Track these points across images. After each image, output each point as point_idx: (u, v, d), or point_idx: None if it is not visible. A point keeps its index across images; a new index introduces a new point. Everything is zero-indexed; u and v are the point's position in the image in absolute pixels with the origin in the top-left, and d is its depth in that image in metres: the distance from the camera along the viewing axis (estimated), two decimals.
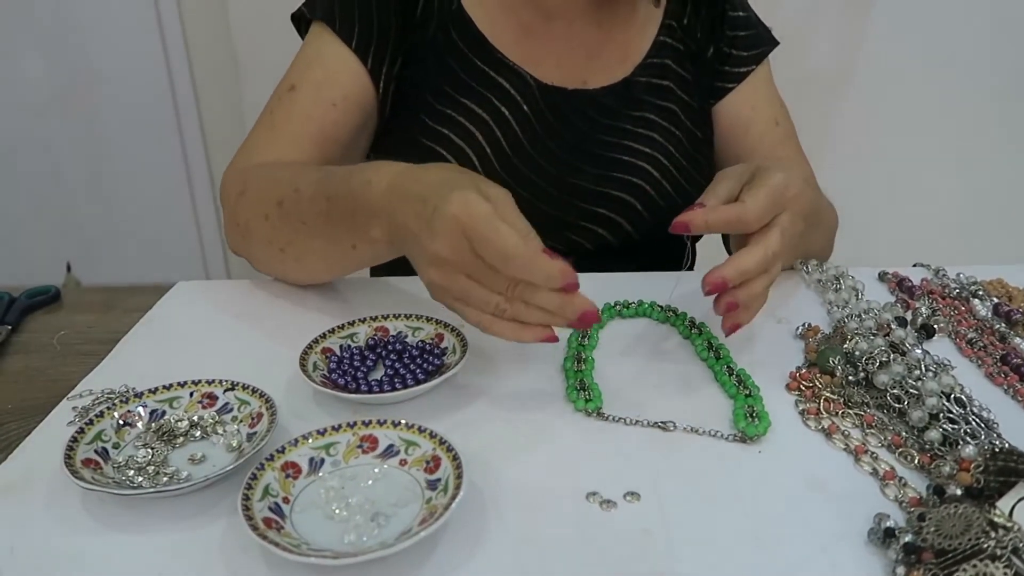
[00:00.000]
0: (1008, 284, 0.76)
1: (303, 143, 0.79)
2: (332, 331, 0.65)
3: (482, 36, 0.84)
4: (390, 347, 0.65)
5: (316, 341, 0.64)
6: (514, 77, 0.84)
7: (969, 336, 0.68)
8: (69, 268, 1.66)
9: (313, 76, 0.81)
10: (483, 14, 0.84)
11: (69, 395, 0.62)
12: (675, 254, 0.96)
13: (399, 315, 0.67)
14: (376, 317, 0.67)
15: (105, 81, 2.00)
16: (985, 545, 0.41)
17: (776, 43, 0.93)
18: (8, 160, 2.06)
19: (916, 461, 0.52)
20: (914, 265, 0.83)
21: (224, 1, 1.96)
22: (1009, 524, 0.42)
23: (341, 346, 0.65)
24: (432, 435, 0.52)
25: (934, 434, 0.53)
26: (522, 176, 0.83)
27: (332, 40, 0.81)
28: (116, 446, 0.54)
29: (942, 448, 0.52)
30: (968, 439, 0.51)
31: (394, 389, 0.58)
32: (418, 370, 0.61)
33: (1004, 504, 0.43)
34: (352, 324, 0.66)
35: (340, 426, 0.53)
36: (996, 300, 0.73)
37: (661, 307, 0.73)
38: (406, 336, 0.66)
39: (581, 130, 0.85)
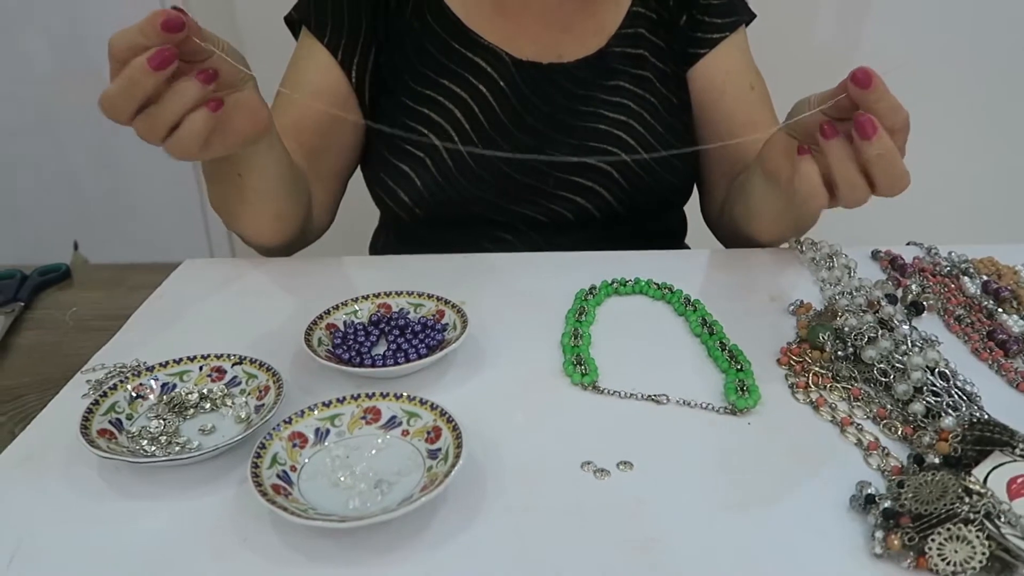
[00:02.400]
0: (999, 263, 0.78)
1: (282, 134, 0.80)
2: (336, 307, 0.67)
3: (456, 18, 0.88)
4: (393, 323, 0.67)
5: (320, 317, 0.66)
6: (489, 55, 0.87)
7: (957, 313, 0.70)
8: (76, 246, 1.68)
9: (291, 75, 0.89)
10: None
11: (83, 369, 0.64)
12: (665, 225, 0.97)
13: (401, 292, 0.69)
14: (379, 294, 0.69)
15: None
16: (959, 510, 0.43)
17: (753, 16, 0.95)
18: (13, 139, 2.07)
19: (899, 432, 0.54)
20: (907, 244, 0.84)
21: None
22: (983, 490, 0.44)
23: (345, 322, 0.66)
24: (433, 407, 0.54)
25: (917, 406, 0.55)
26: (500, 149, 0.86)
27: (310, 39, 0.88)
28: (129, 417, 0.56)
29: (925, 420, 0.54)
30: (949, 411, 0.53)
31: (396, 363, 0.60)
32: (421, 345, 0.63)
33: (979, 471, 0.45)
34: (355, 300, 0.68)
35: (344, 398, 0.55)
36: (986, 278, 0.74)
37: (657, 284, 0.74)
38: (408, 312, 0.68)
39: (557, 102, 0.87)
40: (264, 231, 0.79)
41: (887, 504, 0.45)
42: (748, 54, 0.94)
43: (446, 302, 0.67)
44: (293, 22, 0.91)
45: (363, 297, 0.69)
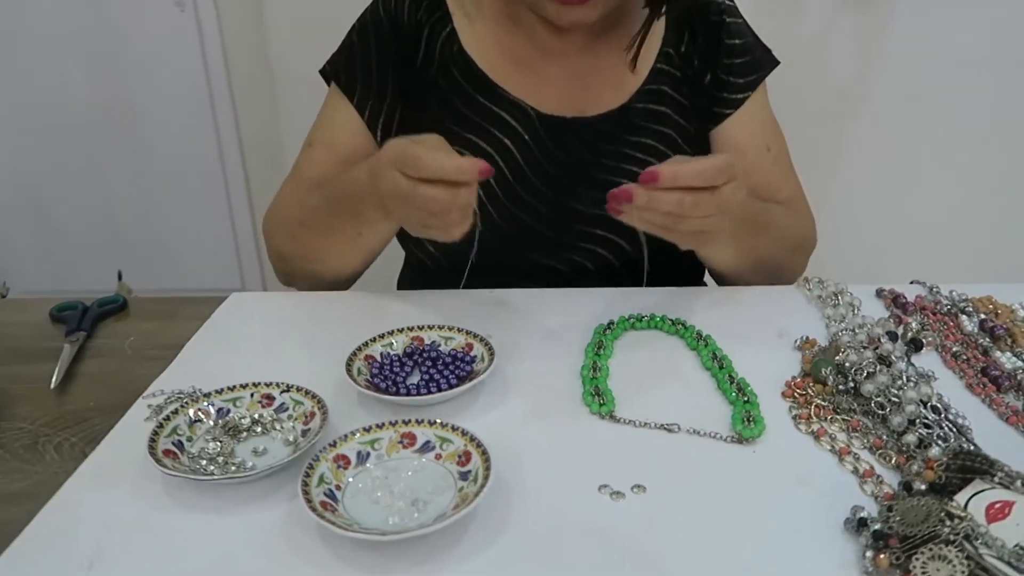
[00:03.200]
0: (996, 301, 0.82)
1: (311, 186, 0.91)
2: (373, 340, 0.73)
3: (482, 73, 0.91)
4: (425, 354, 0.72)
5: (359, 349, 0.72)
6: (514, 109, 0.90)
7: (954, 349, 0.74)
8: (120, 276, 1.77)
9: (325, 135, 0.94)
10: (482, 54, 0.91)
11: (144, 394, 0.70)
12: (681, 269, 1.02)
13: (433, 326, 0.75)
14: (412, 328, 0.75)
15: (146, 93, 2.10)
16: (941, 531, 0.47)
17: (775, 63, 0.96)
18: (57, 174, 2.17)
19: (893, 461, 0.59)
20: (911, 282, 0.88)
21: (261, 19, 2.06)
22: (963, 514, 0.48)
23: (382, 353, 0.72)
24: (464, 433, 0.59)
25: (911, 437, 0.59)
26: (523, 201, 0.90)
27: (340, 96, 0.93)
28: (190, 439, 0.62)
29: (917, 450, 0.59)
30: (939, 442, 0.58)
31: (430, 392, 0.66)
32: (451, 376, 0.68)
33: (961, 497, 0.50)
34: (391, 334, 0.74)
35: (383, 424, 0.60)
36: (983, 316, 0.79)
37: (671, 320, 0.79)
38: (439, 345, 0.73)
39: (580, 156, 0.91)
40: (347, 271, 0.90)
41: (877, 526, 0.50)
42: (767, 109, 0.96)
43: (475, 335, 0.73)
44: (327, 76, 0.96)
45: (398, 330, 0.74)
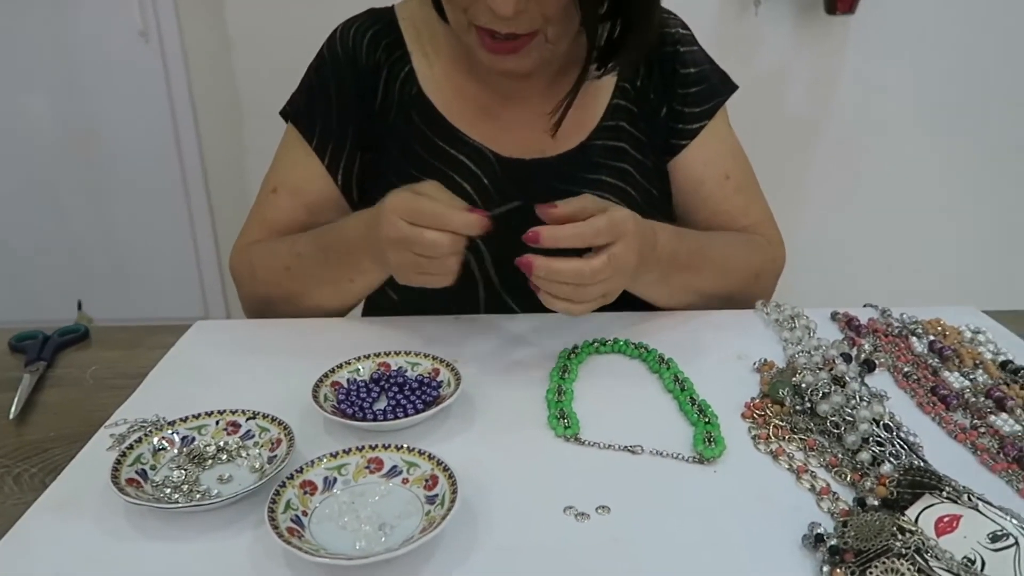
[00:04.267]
0: (945, 323, 0.85)
1: (289, 233, 0.93)
2: (340, 366, 0.73)
3: (441, 116, 0.90)
4: (391, 380, 0.73)
5: (326, 376, 0.72)
6: (474, 153, 0.90)
7: (905, 370, 0.77)
8: (80, 306, 1.74)
9: (288, 180, 0.94)
10: (441, 96, 0.91)
11: (106, 424, 0.69)
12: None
13: (399, 352, 0.75)
14: (379, 353, 0.75)
15: (109, 123, 2.09)
16: (892, 545, 0.49)
17: (734, 88, 0.97)
18: (18, 203, 2.14)
19: (848, 479, 0.60)
20: (864, 305, 0.91)
21: (227, 49, 2.06)
22: (914, 528, 0.50)
23: (348, 379, 0.73)
24: (430, 457, 0.60)
25: (864, 455, 0.61)
26: (481, 246, 0.88)
27: (299, 138, 0.93)
28: (153, 468, 0.61)
29: (871, 467, 0.61)
30: (891, 459, 0.60)
31: (396, 418, 0.66)
32: (418, 401, 0.69)
33: (911, 512, 0.51)
34: (358, 359, 0.74)
35: (350, 450, 0.61)
36: (932, 338, 0.81)
37: (634, 344, 0.81)
38: (406, 370, 0.74)
39: (540, 197, 0.87)
40: (332, 313, 0.90)
41: (833, 542, 0.52)
42: (728, 135, 0.96)
43: (441, 361, 0.74)
44: (286, 116, 0.95)
45: (364, 356, 0.75)
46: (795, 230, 2.07)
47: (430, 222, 0.69)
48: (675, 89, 0.93)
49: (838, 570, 0.50)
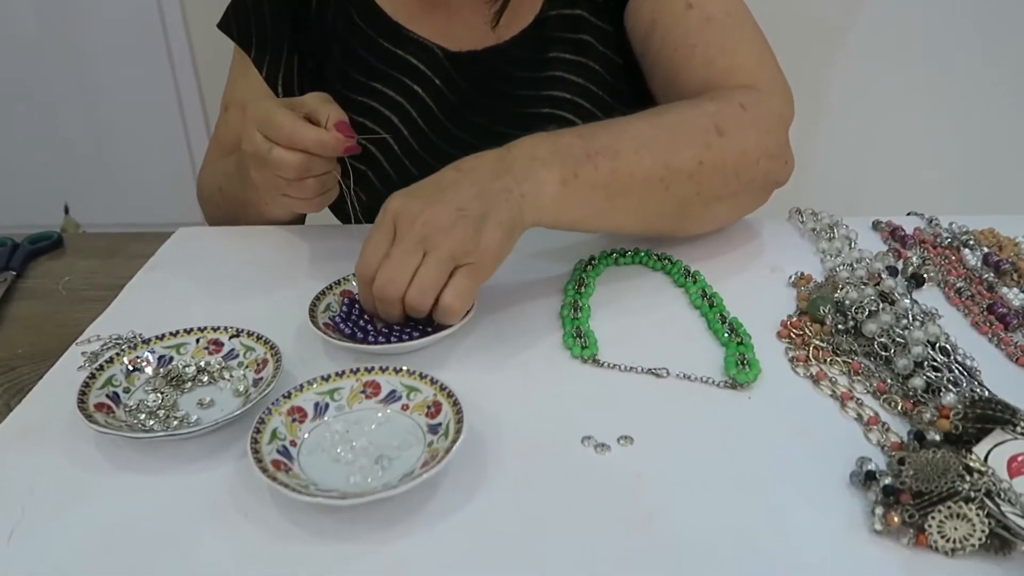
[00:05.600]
0: (999, 234, 0.77)
1: (227, 150, 0.87)
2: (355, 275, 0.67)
3: (382, 12, 0.82)
4: None
5: (337, 283, 0.66)
6: (421, 51, 0.82)
7: (958, 285, 0.69)
8: (67, 210, 1.66)
9: (236, 96, 0.88)
10: None
11: (78, 340, 0.63)
12: None
13: None
14: None
15: (95, 15, 1.96)
16: (960, 488, 0.43)
17: None
18: (2, 102, 2.03)
19: (899, 407, 0.54)
20: (908, 214, 0.83)
21: None
22: (983, 468, 0.44)
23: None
24: (433, 381, 0.53)
25: (918, 381, 0.55)
26: (442, 152, 0.80)
27: (240, 53, 0.87)
28: (127, 391, 0.55)
29: (925, 395, 0.54)
30: (950, 387, 0.53)
31: (400, 340, 0.60)
32: (424, 325, 0.62)
33: (980, 449, 0.45)
34: None
35: (344, 372, 0.55)
36: (986, 250, 0.74)
37: (656, 255, 0.74)
38: None
39: (497, 91, 0.81)
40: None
41: (887, 481, 0.46)
42: None
43: None
44: (225, 29, 0.88)
45: None
46: (820, 130, 1.95)
47: (280, 138, 0.64)
48: None
49: (893, 512, 0.44)
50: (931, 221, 0.81)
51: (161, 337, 0.59)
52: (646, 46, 0.79)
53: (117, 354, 0.57)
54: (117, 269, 0.75)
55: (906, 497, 0.44)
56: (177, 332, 0.60)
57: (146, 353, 0.58)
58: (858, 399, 0.55)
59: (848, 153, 2.02)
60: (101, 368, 0.56)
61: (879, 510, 0.45)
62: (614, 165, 0.62)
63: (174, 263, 0.76)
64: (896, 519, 0.44)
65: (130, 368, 0.57)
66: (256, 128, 0.65)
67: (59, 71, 2.02)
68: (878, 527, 0.44)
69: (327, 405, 0.53)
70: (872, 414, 0.54)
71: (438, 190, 0.58)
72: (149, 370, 0.57)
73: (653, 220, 0.69)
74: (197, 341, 0.59)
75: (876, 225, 0.81)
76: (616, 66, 0.83)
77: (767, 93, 0.73)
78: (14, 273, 0.74)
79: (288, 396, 0.52)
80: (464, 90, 0.82)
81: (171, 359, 0.58)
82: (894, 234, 0.78)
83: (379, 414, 0.53)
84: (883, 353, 0.59)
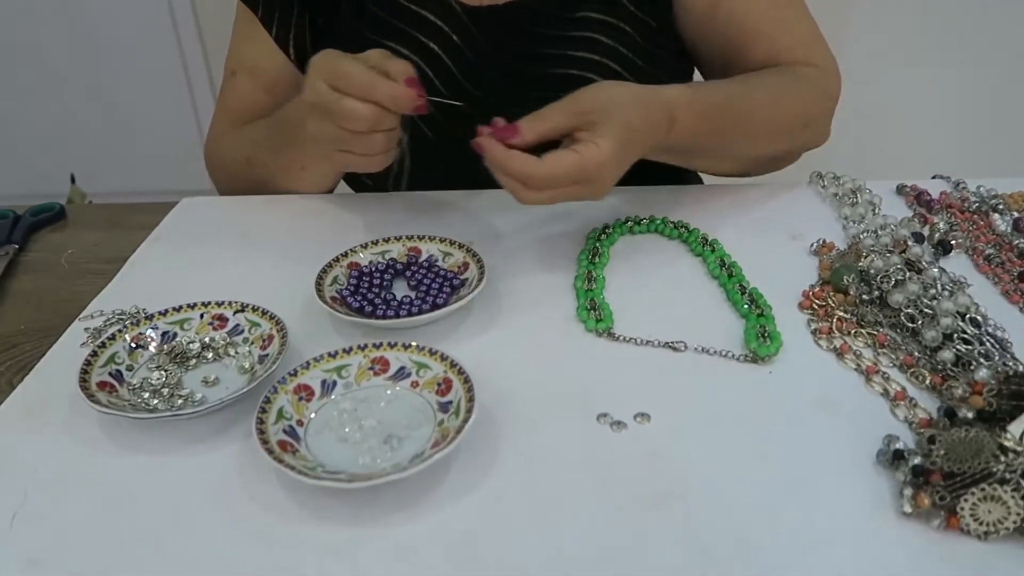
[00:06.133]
0: None
1: (254, 119, 0.83)
2: (364, 246, 0.65)
3: None
4: (414, 268, 0.64)
5: (344, 255, 0.64)
6: (437, 6, 0.77)
7: (987, 252, 0.67)
8: (73, 180, 1.64)
9: (245, 61, 0.84)
10: None
11: (80, 316, 0.62)
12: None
13: (434, 238, 0.66)
14: (411, 236, 0.66)
15: None
16: (995, 469, 0.41)
17: None
18: (6, 70, 2.01)
19: (928, 382, 0.52)
20: (933, 177, 0.80)
21: None
22: (1019, 448, 0.42)
23: (371, 261, 0.64)
24: (443, 357, 0.52)
25: (947, 354, 0.53)
26: (461, 116, 0.74)
27: (248, 13, 0.82)
28: (130, 368, 0.54)
29: (954, 369, 0.52)
30: (982, 360, 0.51)
31: (410, 314, 0.58)
32: (438, 295, 0.60)
33: (1015, 428, 0.43)
34: (387, 241, 0.66)
35: (351, 348, 0.53)
36: (1016, 214, 0.71)
37: (673, 223, 0.71)
38: (437, 260, 0.65)
39: (518, 51, 0.77)
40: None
41: (917, 460, 0.44)
42: None
43: (473, 255, 0.64)
44: None
45: (395, 238, 0.66)
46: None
47: (354, 89, 0.60)
48: None
49: (923, 494, 0.42)
50: (958, 185, 0.78)
51: (164, 313, 0.58)
52: (707, 21, 0.78)
53: (120, 331, 0.55)
54: (120, 241, 0.73)
55: (937, 478, 0.43)
56: (180, 307, 0.58)
57: (149, 330, 0.56)
58: (884, 373, 0.53)
59: (870, 114, 1.96)
60: (103, 345, 0.54)
61: (908, 491, 0.43)
62: (715, 155, 0.73)
63: (177, 235, 0.74)
64: (927, 501, 0.42)
65: (133, 346, 0.55)
66: (322, 78, 0.61)
67: (63, 39, 1.99)
68: (907, 509, 0.42)
69: (335, 383, 0.52)
70: (899, 389, 0.52)
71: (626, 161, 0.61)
72: (153, 347, 0.56)
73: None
74: (201, 316, 0.58)
75: (900, 189, 0.78)
76: (649, 28, 0.78)
77: (824, 72, 0.77)
78: (16, 246, 0.73)
79: (294, 374, 0.51)
80: (484, 48, 0.77)
81: (175, 335, 0.57)
82: (919, 199, 0.75)
83: (388, 392, 0.52)
84: (910, 325, 0.56)
